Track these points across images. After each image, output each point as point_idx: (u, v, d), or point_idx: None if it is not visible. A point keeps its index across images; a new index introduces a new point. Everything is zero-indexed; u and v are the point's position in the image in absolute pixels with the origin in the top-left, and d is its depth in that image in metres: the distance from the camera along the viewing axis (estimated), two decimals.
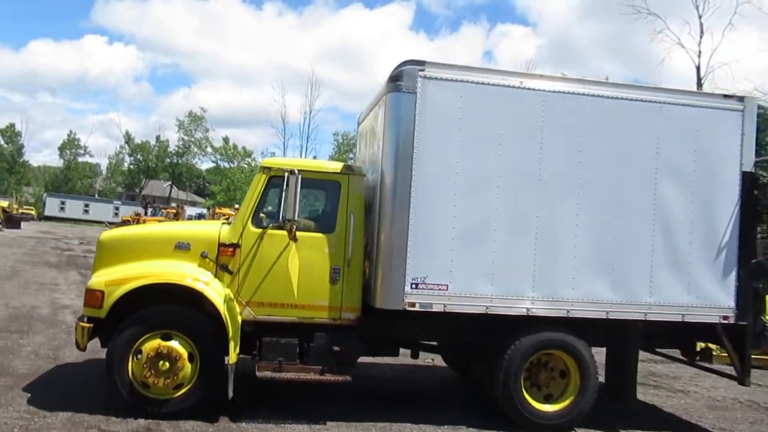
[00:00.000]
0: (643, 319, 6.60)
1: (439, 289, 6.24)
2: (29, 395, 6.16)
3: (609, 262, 6.53)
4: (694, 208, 6.71)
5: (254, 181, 6.39)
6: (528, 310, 6.38)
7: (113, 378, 5.79)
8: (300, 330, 6.23)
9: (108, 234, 6.56)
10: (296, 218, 6.00)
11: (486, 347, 6.69)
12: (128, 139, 73.35)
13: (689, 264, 6.67)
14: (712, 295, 6.70)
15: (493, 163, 6.37)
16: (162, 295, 5.97)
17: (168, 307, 5.96)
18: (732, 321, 6.72)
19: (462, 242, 6.28)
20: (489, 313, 6.31)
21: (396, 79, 6.26)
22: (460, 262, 6.27)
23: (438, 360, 8.79)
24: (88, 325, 5.83)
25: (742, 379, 6.89)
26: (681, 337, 7.25)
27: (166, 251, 6.15)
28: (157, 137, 73.01)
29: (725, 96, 6.95)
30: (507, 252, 6.36)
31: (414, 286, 6.19)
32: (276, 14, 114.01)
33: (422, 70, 6.27)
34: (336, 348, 6.20)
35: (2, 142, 69.65)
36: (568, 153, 6.50)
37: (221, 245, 6.16)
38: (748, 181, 6.80)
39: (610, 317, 6.53)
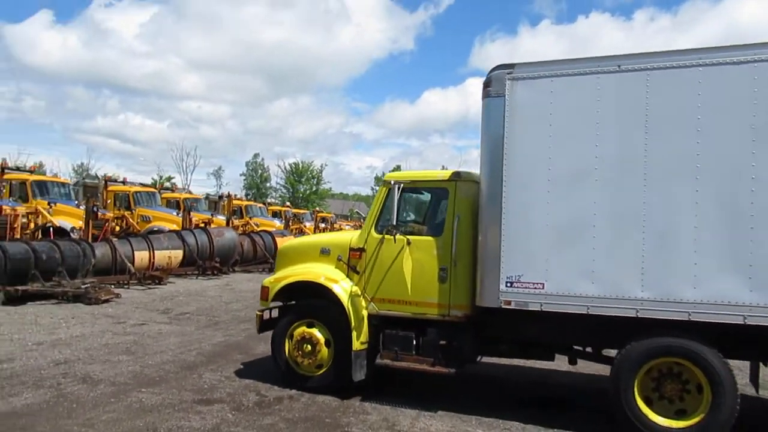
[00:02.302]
0: None
1: (535, 288, 6.20)
2: (240, 366, 8.28)
3: (744, 257, 5.49)
4: None
5: (378, 193, 7.34)
6: (637, 311, 5.82)
7: (275, 356, 7.42)
8: (415, 324, 6.90)
9: (283, 243, 8.31)
10: (396, 224, 6.80)
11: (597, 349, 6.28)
12: None
13: None
14: None
15: (590, 155, 6.04)
16: (314, 291, 7.37)
17: (313, 300, 7.33)
18: None
19: (557, 240, 6.13)
20: (591, 314, 5.99)
21: (486, 85, 6.49)
22: (556, 261, 6.13)
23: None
24: (260, 313, 7.60)
25: None
26: None
27: (315, 256, 7.56)
28: None
29: None
30: (609, 250, 5.94)
31: (509, 284, 6.30)
32: None
33: (510, 73, 6.37)
34: (442, 342, 6.69)
35: None
36: (683, 134, 5.73)
37: (351, 249, 7.27)
38: None
39: (748, 323, 5.48)
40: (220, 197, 32.65)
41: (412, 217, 7.66)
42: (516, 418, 6.48)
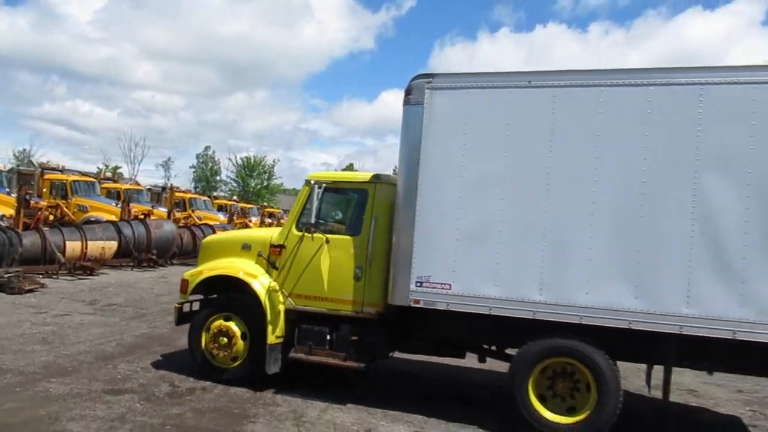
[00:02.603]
0: (678, 332, 5.77)
1: (442, 288, 6.49)
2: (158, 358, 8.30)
3: (632, 266, 5.89)
4: (751, 204, 5.61)
5: (300, 192, 7.51)
6: (534, 313, 6.17)
7: (191, 347, 7.50)
8: (330, 320, 7.10)
9: (206, 238, 8.40)
10: (316, 222, 7.02)
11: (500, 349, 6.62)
12: None
13: (744, 271, 5.60)
14: None
15: (499, 165, 6.36)
16: (233, 286, 7.47)
17: (231, 294, 7.44)
18: None
19: (465, 244, 6.42)
20: (492, 314, 6.31)
21: (407, 93, 6.73)
22: (463, 263, 6.42)
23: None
24: (179, 305, 7.66)
25: None
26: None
27: (236, 251, 7.67)
28: None
29: None
30: (512, 255, 6.27)
31: (419, 284, 6.56)
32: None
33: (430, 83, 6.64)
34: (354, 338, 6.92)
35: None
36: (583, 149, 6.11)
37: (272, 246, 7.41)
38: None
39: (633, 328, 5.88)
40: (163, 189, 32.12)
41: (333, 216, 7.84)
42: (421, 412, 6.73)
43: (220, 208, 37.11)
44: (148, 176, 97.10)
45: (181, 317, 7.65)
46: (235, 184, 77.55)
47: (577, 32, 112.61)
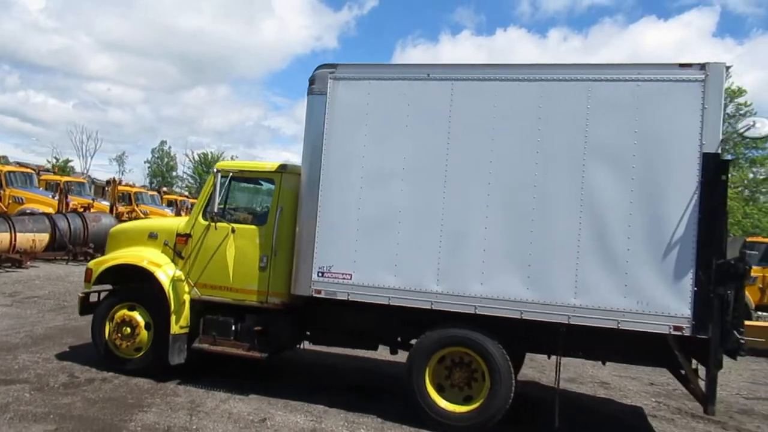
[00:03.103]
0: (567, 322, 5.92)
1: (343, 278, 6.52)
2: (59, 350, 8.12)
3: (524, 257, 6.02)
4: (634, 197, 5.79)
5: (207, 181, 7.45)
6: (432, 304, 6.25)
7: (95, 338, 7.35)
8: (236, 310, 7.05)
9: (114, 227, 8.26)
10: (223, 212, 6.97)
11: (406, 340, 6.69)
12: None
13: (626, 263, 5.78)
14: (657, 301, 5.70)
15: (399, 156, 6.42)
16: (139, 275, 7.35)
17: (136, 284, 7.32)
18: (687, 333, 5.62)
19: (366, 234, 6.47)
20: (392, 304, 6.37)
21: (311, 83, 6.74)
22: (363, 254, 6.46)
23: None
24: (82, 295, 7.51)
25: (705, 404, 5.68)
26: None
27: (143, 240, 7.56)
28: None
29: (682, 65, 5.83)
30: (411, 245, 6.34)
31: (320, 274, 6.58)
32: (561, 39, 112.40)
33: (332, 73, 6.66)
34: (258, 328, 6.89)
35: None
36: (479, 142, 6.21)
37: (178, 235, 7.32)
38: (712, 163, 5.63)
39: (525, 318, 6.01)
40: (108, 182, 31.37)
41: (240, 206, 7.79)
42: (324, 402, 6.74)
43: (170, 204, 36.44)
44: (102, 171, 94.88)
45: (86, 307, 7.50)
46: (192, 180, 76.36)
47: (536, 37, 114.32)
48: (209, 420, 5.93)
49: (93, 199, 25.56)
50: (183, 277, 7.16)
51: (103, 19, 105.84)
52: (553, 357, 6.51)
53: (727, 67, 5.76)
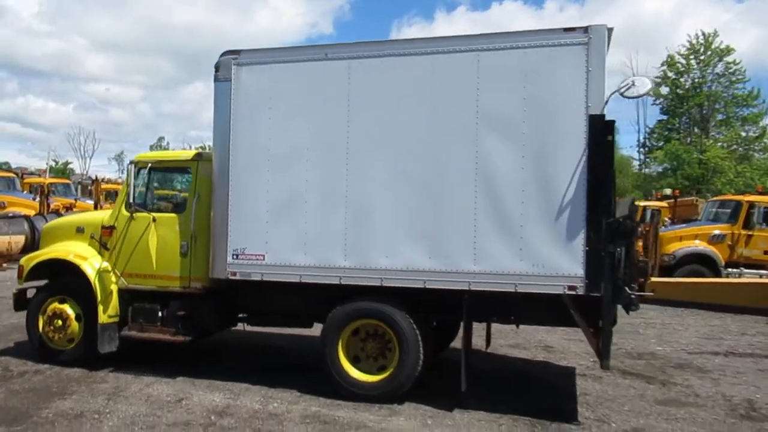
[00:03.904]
0: (468, 289, 6.05)
1: (257, 260, 6.66)
2: None
3: (426, 228, 6.15)
4: (526, 163, 5.89)
5: (128, 173, 7.58)
6: (340, 279, 6.39)
7: (29, 332, 7.55)
8: (161, 297, 7.23)
9: (47, 223, 8.43)
10: (145, 202, 7.13)
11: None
12: None
13: (521, 227, 5.90)
14: (552, 262, 5.82)
15: (303, 137, 6.53)
16: (69, 269, 7.52)
17: (66, 278, 7.50)
18: (581, 292, 5.75)
19: (275, 215, 6.60)
20: (303, 282, 6.51)
21: (216, 69, 6.83)
22: (274, 234, 6.60)
23: None
24: (16, 291, 7.70)
25: (601, 360, 5.82)
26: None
27: (72, 234, 7.72)
28: None
29: (566, 30, 5.88)
30: (318, 223, 6.47)
31: (235, 257, 6.73)
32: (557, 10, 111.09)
33: (236, 59, 6.75)
34: (181, 313, 7.06)
35: None
36: (377, 118, 6.31)
37: (103, 227, 7.48)
38: (598, 125, 5.71)
39: (428, 287, 6.15)
40: (93, 181, 31.58)
41: (160, 195, 7.93)
42: (251, 381, 6.89)
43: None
44: (101, 170, 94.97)
45: (21, 303, 7.68)
46: None
47: (532, 9, 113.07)
48: (125, 403, 6.13)
49: (76, 199, 25.82)
50: (109, 268, 7.33)
51: (96, 19, 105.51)
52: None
53: (609, 29, 5.82)
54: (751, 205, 15.56)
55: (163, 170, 7.63)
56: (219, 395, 6.47)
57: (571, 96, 5.78)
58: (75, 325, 7.35)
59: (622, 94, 5.80)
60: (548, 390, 7.16)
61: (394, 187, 6.25)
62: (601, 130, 5.70)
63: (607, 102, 5.74)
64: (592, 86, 5.72)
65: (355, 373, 6.45)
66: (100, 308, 7.16)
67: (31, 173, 31.93)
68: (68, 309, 7.36)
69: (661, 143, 43.91)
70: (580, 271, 5.75)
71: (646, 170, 47.25)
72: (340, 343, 6.48)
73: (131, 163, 7.29)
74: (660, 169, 43.42)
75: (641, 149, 48.54)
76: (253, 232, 6.67)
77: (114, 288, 7.29)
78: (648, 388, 7.31)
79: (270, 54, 6.72)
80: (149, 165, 7.26)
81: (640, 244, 16.08)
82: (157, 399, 6.29)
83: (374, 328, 6.51)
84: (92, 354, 7.25)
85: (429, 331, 6.45)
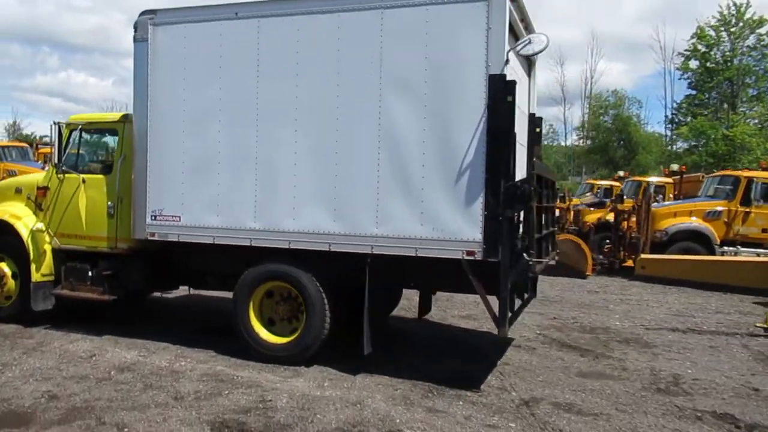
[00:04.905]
0: (370, 252, 5.98)
1: (173, 220, 6.72)
2: None
3: (330, 191, 6.09)
4: (428, 125, 5.76)
5: (53, 133, 7.63)
6: (251, 241, 6.39)
7: None
8: (92, 257, 7.36)
9: None
10: (76, 163, 7.24)
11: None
12: None
13: (422, 191, 5.79)
14: (451, 227, 5.71)
15: (215, 98, 6.51)
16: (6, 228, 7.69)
17: (3, 237, 7.68)
18: (479, 257, 5.62)
19: (190, 176, 6.64)
20: (217, 243, 6.54)
21: (135, 29, 6.84)
22: (189, 196, 6.64)
23: None
24: None
25: (498, 327, 5.71)
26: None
27: (11, 195, 7.90)
28: None
29: None
30: (230, 185, 6.47)
31: (153, 217, 6.80)
32: None
33: (152, 19, 6.74)
34: (107, 272, 7.18)
35: None
36: (285, 78, 6.24)
37: (38, 188, 7.63)
38: (498, 85, 5.52)
39: (333, 250, 6.10)
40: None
41: (90, 157, 8.03)
42: (173, 341, 6.99)
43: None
44: None
45: None
46: None
47: None
48: (37, 357, 6.30)
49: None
50: (44, 228, 7.48)
51: None
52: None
53: None
54: (750, 181, 14.96)
55: (94, 132, 7.72)
56: (134, 353, 6.59)
57: (471, 55, 5.60)
58: (11, 283, 7.56)
59: (518, 52, 5.58)
60: (471, 359, 7.06)
61: (300, 149, 6.19)
62: (501, 91, 5.51)
63: (507, 62, 5.53)
64: (492, 45, 5.53)
65: (265, 334, 6.49)
66: (33, 267, 7.34)
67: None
68: (5, 267, 7.57)
69: (688, 119, 42.49)
70: (478, 236, 5.62)
71: (673, 147, 45.86)
72: (251, 305, 6.51)
73: (58, 123, 7.36)
74: (686, 146, 42.10)
75: (669, 125, 47.10)
76: (170, 193, 6.71)
77: (47, 248, 7.45)
78: (578, 360, 7.15)
79: (183, 13, 6.68)
80: (80, 126, 7.36)
81: (633, 219, 15.83)
82: (70, 354, 6.45)
83: (287, 291, 6.52)
84: (28, 311, 7.45)
85: (339, 294, 6.40)
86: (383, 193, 5.91)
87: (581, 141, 52.34)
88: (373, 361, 6.33)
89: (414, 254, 5.83)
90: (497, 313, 5.69)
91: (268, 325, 6.58)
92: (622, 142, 46.58)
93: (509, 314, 5.70)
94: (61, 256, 7.51)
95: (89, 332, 7.26)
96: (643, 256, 14.42)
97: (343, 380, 5.99)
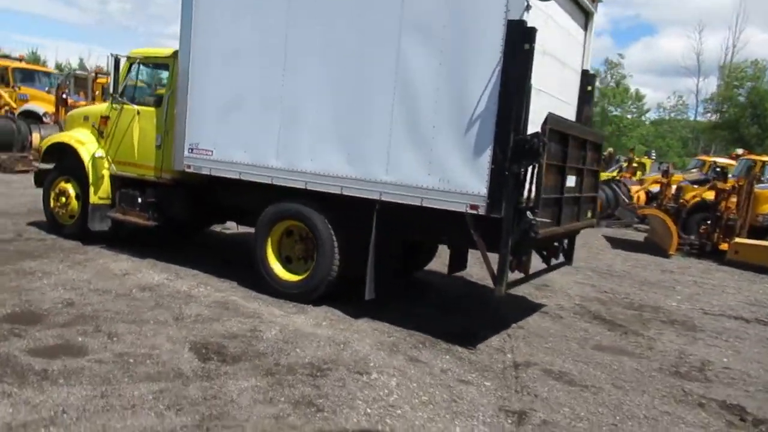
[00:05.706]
0: (378, 198, 5.94)
1: (206, 154, 7.02)
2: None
3: (346, 134, 6.08)
4: (442, 72, 5.56)
5: (110, 67, 8.10)
6: (272, 179, 6.55)
7: (45, 207, 8.61)
8: (142, 185, 7.87)
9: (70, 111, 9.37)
10: (134, 95, 7.75)
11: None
12: None
13: (432, 139, 5.63)
14: (458, 179, 5.53)
15: (247, 38, 6.65)
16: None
17: (70, 160, 8.37)
18: (483, 212, 5.43)
19: (222, 113, 6.88)
20: (242, 179, 6.76)
21: None
22: (221, 131, 6.89)
23: None
24: (35, 170, 8.76)
25: (495, 285, 5.51)
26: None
27: (80, 122, 8.57)
28: None
29: None
30: (257, 122, 6.63)
31: (191, 150, 7.14)
32: None
33: None
34: (152, 200, 7.66)
35: None
36: (312, 19, 6.24)
37: (101, 117, 8.21)
38: (516, 31, 5.20)
39: (345, 193, 6.12)
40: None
41: (146, 89, 8.47)
42: (204, 270, 7.40)
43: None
44: None
45: (38, 180, 8.77)
46: None
47: None
48: (77, 270, 6.91)
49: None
50: (103, 155, 8.08)
51: None
52: None
53: None
54: None
55: (149, 66, 8.14)
56: (162, 275, 7.05)
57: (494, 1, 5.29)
58: (74, 203, 8.27)
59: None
60: (485, 318, 6.89)
61: (321, 91, 6.21)
62: (519, 37, 5.19)
63: (528, 7, 5.18)
64: None
65: (279, 270, 6.69)
66: (92, 190, 7.98)
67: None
68: (70, 188, 8.28)
69: None
70: (483, 190, 5.41)
71: None
72: (269, 241, 6.72)
73: (115, 56, 7.79)
74: None
75: None
76: (205, 128, 7.00)
77: (106, 173, 8.06)
78: (602, 334, 6.79)
79: None
80: (138, 60, 7.80)
81: (734, 200, 14.46)
82: (107, 271, 7.00)
83: (305, 231, 6.65)
84: (89, 231, 8.14)
85: (351, 239, 6.41)
86: (395, 139, 5.81)
87: (710, 115, 48.19)
88: (382, 308, 6.37)
89: (419, 204, 5.73)
90: (495, 271, 5.50)
91: (286, 262, 6.78)
92: (756, 119, 42.35)
93: (508, 273, 5.49)
94: (117, 182, 8.10)
95: (135, 254, 7.83)
96: (737, 240, 13.22)
97: (342, 322, 6.08)
